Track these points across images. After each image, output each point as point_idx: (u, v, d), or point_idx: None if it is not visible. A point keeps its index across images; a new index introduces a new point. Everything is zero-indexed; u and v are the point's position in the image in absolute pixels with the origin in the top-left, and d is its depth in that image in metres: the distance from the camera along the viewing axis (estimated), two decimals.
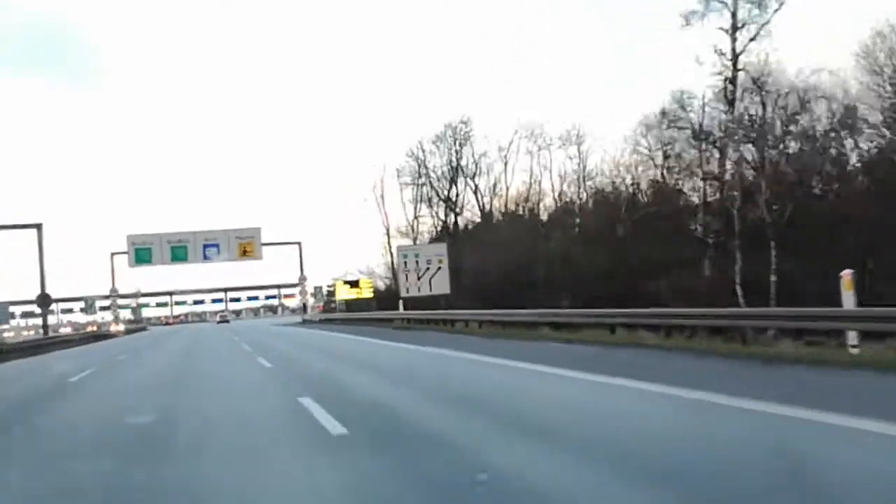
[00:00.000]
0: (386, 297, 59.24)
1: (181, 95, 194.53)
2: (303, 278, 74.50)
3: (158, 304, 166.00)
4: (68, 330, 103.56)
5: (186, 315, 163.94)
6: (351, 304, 64.06)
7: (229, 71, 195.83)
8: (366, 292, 61.69)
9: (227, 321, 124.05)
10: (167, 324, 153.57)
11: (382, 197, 69.64)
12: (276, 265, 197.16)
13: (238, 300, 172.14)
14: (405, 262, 43.96)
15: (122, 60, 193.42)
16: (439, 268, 43.71)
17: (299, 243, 75.50)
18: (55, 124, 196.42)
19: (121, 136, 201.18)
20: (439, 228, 60.08)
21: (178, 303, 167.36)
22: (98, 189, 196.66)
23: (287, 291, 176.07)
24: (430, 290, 43.66)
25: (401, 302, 45.32)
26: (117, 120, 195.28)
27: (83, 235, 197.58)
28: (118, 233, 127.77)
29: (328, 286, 73.13)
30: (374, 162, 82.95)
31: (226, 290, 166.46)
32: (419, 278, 43.17)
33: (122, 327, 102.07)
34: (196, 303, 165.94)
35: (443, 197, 60.78)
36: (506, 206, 58.69)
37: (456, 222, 59.46)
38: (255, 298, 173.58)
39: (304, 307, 75.68)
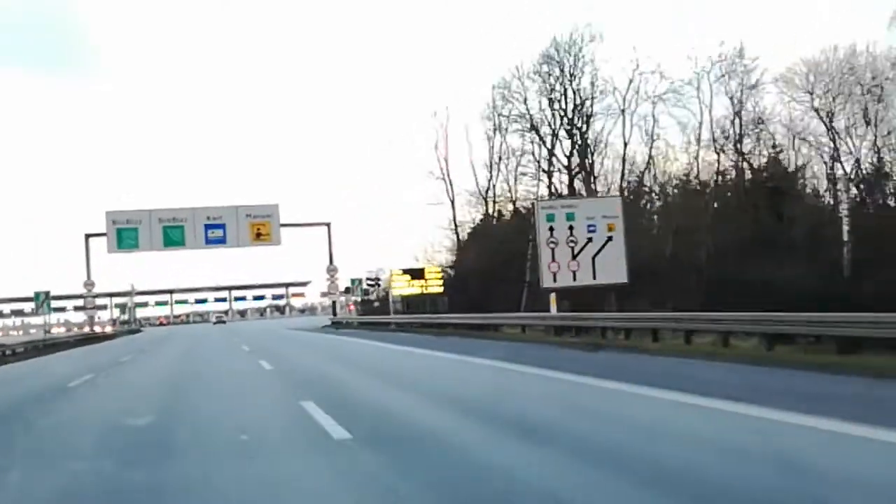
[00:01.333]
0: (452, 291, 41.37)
1: (180, 56, 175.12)
2: (332, 269, 56.28)
3: (158, 304, 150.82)
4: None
5: (188, 315, 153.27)
6: (411, 302, 45.26)
7: (238, 26, 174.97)
8: (432, 285, 42.85)
9: (224, 322, 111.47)
10: (161, 324, 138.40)
11: (446, 159, 51.25)
12: (295, 255, 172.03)
13: (243, 299, 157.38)
14: (551, 231, 25.52)
15: (124, 30, 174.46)
16: (609, 239, 25.42)
17: (328, 224, 57.55)
18: (47, 101, 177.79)
19: (115, 110, 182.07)
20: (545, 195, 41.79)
21: (178, 302, 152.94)
22: (85, 171, 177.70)
23: (296, 290, 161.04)
24: (594, 275, 25.36)
25: (553, 299, 26.57)
26: (115, 96, 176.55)
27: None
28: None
29: (369, 279, 54.54)
30: (436, 110, 61.15)
31: (230, 288, 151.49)
32: (575, 256, 24.92)
33: (109, 329, 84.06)
34: (198, 302, 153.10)
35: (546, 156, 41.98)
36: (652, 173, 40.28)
37: (571, 186, 40.67)
38: (262, 298, 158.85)
39: (334, 306, 57.41)
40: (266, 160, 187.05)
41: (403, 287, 42.09)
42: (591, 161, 40.40)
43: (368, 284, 52.43)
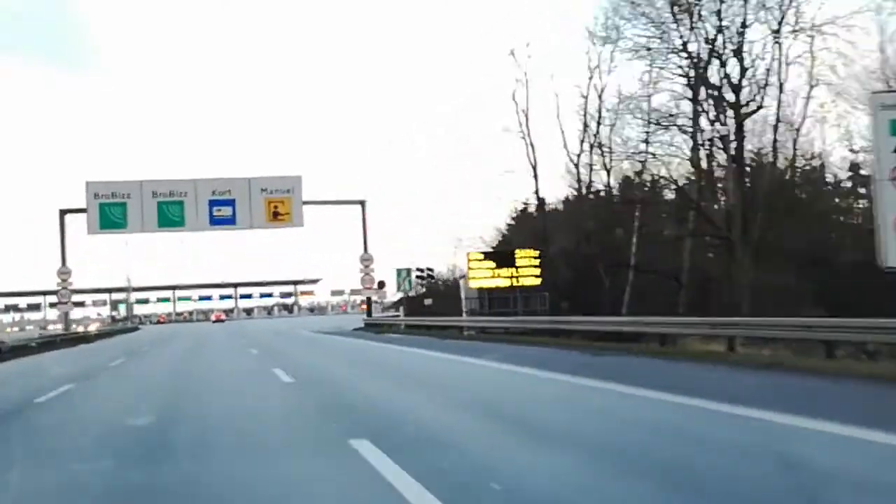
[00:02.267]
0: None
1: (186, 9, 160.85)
2: (367, 258, 44.86)
3: (160, 300, 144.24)
4: None
5: (191, 313, 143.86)
6: (491, 298, 32.90)
7: None
8: (527, 275, 30.17)
9: (223, 321, 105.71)
10: (159, 322, 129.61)
11: (526, 113, 39.43)
12: (319, 243, 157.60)
13: (249, 297, 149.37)
14: None
15: None
16: None
17: (362, 203, 45.96)
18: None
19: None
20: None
21: (181, 299, 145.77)
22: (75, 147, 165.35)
23: (304, 288, 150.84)
24: None
25: None
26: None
27: None
28: None
29: (422, 271, 42.48)
30: (513, 47, 42.66)
31: (235, 284, 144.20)
32: None
33: (93, 327, 72.94)
34: (202, 299, 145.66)
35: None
36: None
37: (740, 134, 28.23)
38: (269, 296, 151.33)
39: (369, 304, 45.88)
40: (285, 128, 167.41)
41: (485, 278, 30.27)
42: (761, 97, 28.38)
43: (421, 276, 40.30)
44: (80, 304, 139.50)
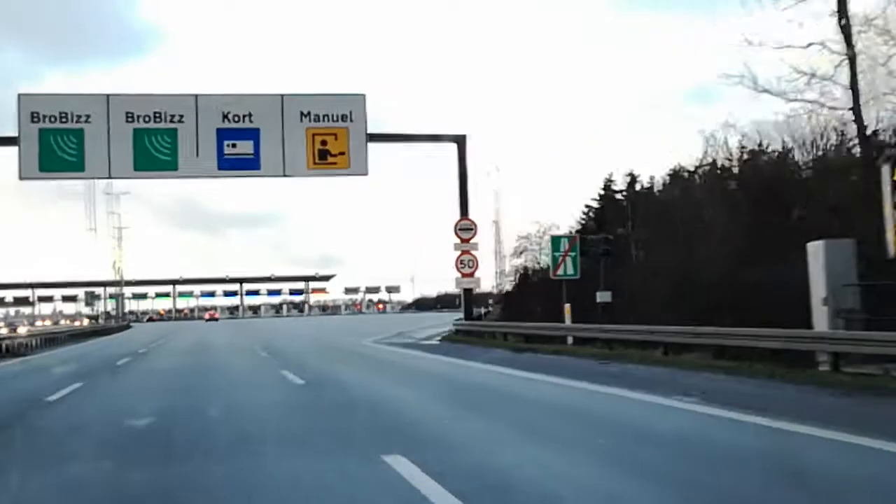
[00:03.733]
0: None
1: None
2: (467, 226, 27.78)
3: (158, 296, 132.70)
4: None
5: (192, 310, 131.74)
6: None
7: None
8: None
9: (216, 319, 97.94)
10: (150, 319, 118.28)
11: None
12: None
13: (256, 293, 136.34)
14: None
15: None
16: None
17: (459, 140, 28.38)
18: None
19: None
20: None
21: (182, 295, 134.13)
22: None
23: (316, 285, 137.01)
24: None
25: None
26: None
27: None
28: None
29: (596, 237, 24.14)
30: None
31: (241, 280, 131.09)
32: None
33: (23, 329, 56.31)
34: (205, 295, 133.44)
35: None
36: None
37: None
38: (277, 293, 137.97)
39: (467, 297, 28.13)
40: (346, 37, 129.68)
41: None
42: None
43: (597, 245, 21.34)
44: (48, 300, 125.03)
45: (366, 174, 27.61)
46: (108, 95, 26.73)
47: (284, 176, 27.51)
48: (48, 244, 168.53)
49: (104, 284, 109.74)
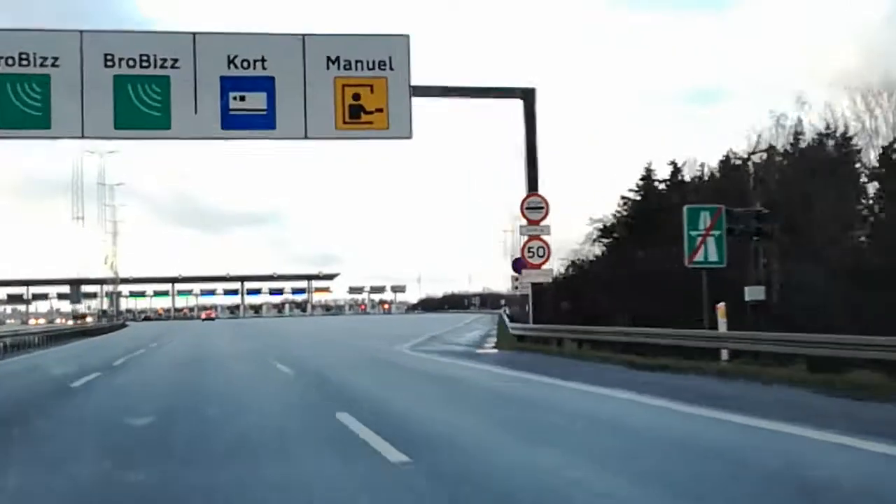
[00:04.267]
0: None
1: None
2: (536, 203, 21.50)
3: (157, 294, 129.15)
4: None
5: (192, 309, 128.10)
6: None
7: None
8: None
9: (213, 318, 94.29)
10: (147, 318, 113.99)
11: None
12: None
13: (257, 293, 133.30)
14: None
15: None
16: None
17: (526, 94, 22.35)
18: None
19: None
20: None
21: (181, 293, 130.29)
22: None
23: (319, 284, 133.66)
24: None
25: None
26: None
27: None
28: None
29: (754, 212, 17.96)
30: None
31: (242, 278, 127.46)
32: None
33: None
34: (205, 294, 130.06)
35: None
36: None
37: None
38: (279, 292, 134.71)
39: (532, 296, 21.82)
40: None
41: None
42: None
43: (746, 221, 15.51)
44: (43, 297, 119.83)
45: (409, 137, 21.57)
46: (81, 32, 20.69)
47: (306, 138, 21.46)
48: (43, 240, 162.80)
49: (100, 282, 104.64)
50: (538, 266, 21.42)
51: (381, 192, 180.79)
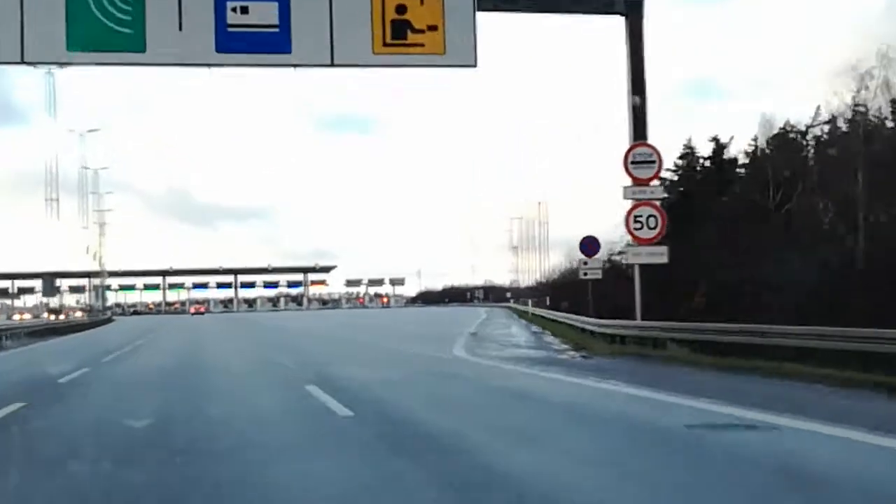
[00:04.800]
0: None
1: None
2: (646, 155, 15.56)
3: (147, 287, 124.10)
4: None
5: (184, 303, 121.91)
6: None
7: None
8: None
9: (201, 313, 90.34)
10: (136, 312, 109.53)
11: None
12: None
13: (251, 286, 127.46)
14: None
15: None
16: None
17: (633, 8, 16.59)
18: None
19: None
20: None
21: (172, 287, 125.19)
22: None
23: (315, 277, 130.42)
24: None
25: None
26: None
27: None
28: None
29: None
30: None
31: (236, 271, 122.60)
32: None
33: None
34: (197, 287, 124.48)
35: None
36: None
37: None
38: (274, 285, 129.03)
39: (642, 279, 15.55)
40: None
41: None
42: None
43: None
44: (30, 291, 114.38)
45: (473, 65, 15.65)
46: None
47: (332, 65, 15.46)
48: (29, 233, 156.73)
49: (86, 275, 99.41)
50: (649, 241, 15.39)
51: (379, 188, 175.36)
